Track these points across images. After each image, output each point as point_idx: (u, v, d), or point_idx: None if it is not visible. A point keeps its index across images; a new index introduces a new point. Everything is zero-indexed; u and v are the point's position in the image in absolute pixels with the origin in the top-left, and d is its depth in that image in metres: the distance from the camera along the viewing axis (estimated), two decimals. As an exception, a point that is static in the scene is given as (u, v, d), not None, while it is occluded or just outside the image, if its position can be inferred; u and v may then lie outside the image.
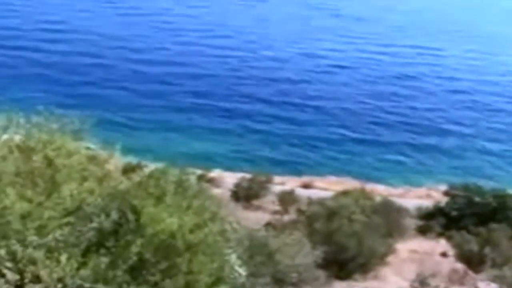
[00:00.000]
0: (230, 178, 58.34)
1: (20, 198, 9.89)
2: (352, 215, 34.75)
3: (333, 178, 65.55)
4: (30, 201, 9.99)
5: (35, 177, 10.73)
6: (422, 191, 63.90)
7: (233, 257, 11.33)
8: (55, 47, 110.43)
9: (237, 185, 54.76)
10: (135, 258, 9.96)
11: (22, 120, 11.79)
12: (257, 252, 21.31)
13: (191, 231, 10.58)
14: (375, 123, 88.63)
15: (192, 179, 12.61)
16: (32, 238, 9.37)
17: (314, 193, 51.33)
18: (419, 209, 49.36)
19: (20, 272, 9.10)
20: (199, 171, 49.14)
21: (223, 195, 47.46)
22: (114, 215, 10.44)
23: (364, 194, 49.19)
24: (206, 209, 11.46)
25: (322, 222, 34.01)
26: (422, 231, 47.53)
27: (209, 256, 10.67)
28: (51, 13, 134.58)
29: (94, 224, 10.13)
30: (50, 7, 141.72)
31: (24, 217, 9.64)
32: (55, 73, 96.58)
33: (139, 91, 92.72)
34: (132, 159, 44.63)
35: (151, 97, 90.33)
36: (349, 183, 60.59)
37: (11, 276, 8.97)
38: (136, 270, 9.98)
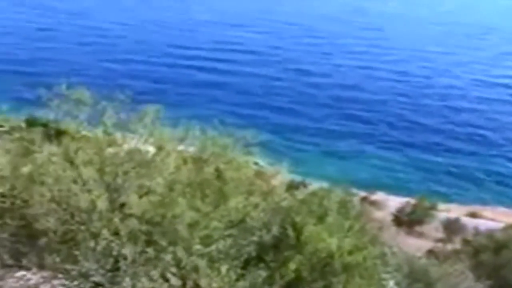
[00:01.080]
0: (393, 202, 57.00)
1: (190, 208, 10.17)
2: (523, 250, 32.49)
3: (503, 209, 61.99)
4: (198, 211, 10.24)
5: (205, 188, 11.00)
6: None
7: (391, 283, 10.98)
8: (228, 66, 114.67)
9: (400, 210, 53.36)
10: (292, 274, 9.90)
11: (197, 133, 12.17)
12: (416, 279, 20.55)
13: (350, 253, 10.36)
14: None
15: (355, 200, 12.38)
16: (197, 246, 9.60)
17: (481, 224, 48.50)
18: None
19: (183, 279, 9.36)
20: (362, 193, 48.39)
21: (384, 218, 46.45)
22: (275, 230, 10.48)
23: (536, 229, 45.86)
24: (367, 232, 11.20)
25: (489, 254, 32.22)
26: None
27: (366, 280, 10.39)
28: (228, 34, 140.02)
29: (255, 238, 10.20)
30: (227, 28, 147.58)
31: (191, 226, 9.92)
32: (227, 93, 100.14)
33: (306, 113, 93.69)
34: (296, 177, 44.94)
35: (318, 120, 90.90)
36: (521, 216, 56.91)
37: (175, 281, 9.25)
38: (292, 287, 9.93)
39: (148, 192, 10.62)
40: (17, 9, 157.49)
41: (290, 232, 10.46)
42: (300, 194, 12.18)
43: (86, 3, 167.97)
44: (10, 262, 10.05)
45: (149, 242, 9.83)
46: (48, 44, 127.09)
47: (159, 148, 11.36)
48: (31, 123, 63.42)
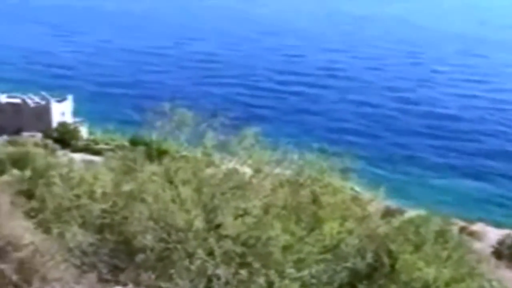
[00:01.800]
0: (493, 234, 54.76)
1: (284, 231, 10.09)
2: None
3: None
4: (293, 234, 10.14)
5: (300, 211, 10.89)
6: None
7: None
8: (325, 92, 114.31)
9: (501, 242, 51.21)
10: (386, 303, 9.63)
11: (295, 157, 12.10)
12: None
13: (447, 284, 9.99)
14: None
15: (454, 230, 11.93)
16: (290, 270, 9.49)
17: None
18: None
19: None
20: (460, 223, 46.70)
21: (484, 250, 44.65)
22: (370, 258, 10.23)
23: None
24: (465, 263, 10.78)
25: None
26: None
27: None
28: (326, 59, 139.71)
29: (349, 264, 9.99)
30: (324, 53, 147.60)
31: (285, 249, 9.82)
32: (324, 119, 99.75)
33: (403, 141, 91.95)
34: (392, 203, 44.00)
35: (414, 148, 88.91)
36: None
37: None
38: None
39: (244, 213, 10.61)
40: (123, 33, 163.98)
41: (385, 260, 10.20)
42: (396, 221, 11.83)
43: (191, 27, 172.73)
44: (108, 276, 10.27)
45: (242, 264, 9.80)
46: (153, 67, 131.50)
47: (257, 171, 11.35)
48: (135, 142, 65.54)
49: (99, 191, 11.21)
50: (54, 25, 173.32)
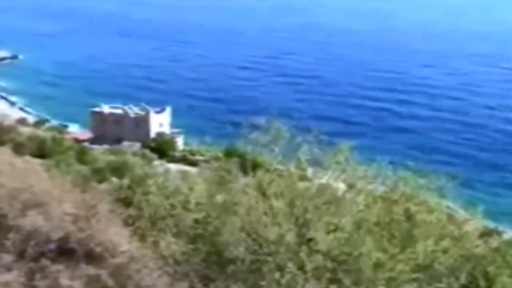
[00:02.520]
0: None
1: (376, 248, 9.87)
2: None
3: None
4: (385, 251, 9.91)
5: (393, 229, 10.65)
6: None
7: None
8: (418, 110, 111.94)
9: None
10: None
11: (389, 173, 11.88)
12: None
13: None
14: None
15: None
16: (381, 288, 9.29)
17: None
18: None
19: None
20: None
21: None
22: (464, 279, 9.86)
23: None
24: None
25: None
26: None
27: None
28: (416, 75, 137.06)
29: (443, 285, 9.67)
30: (415, 69, 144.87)
31: (377, 266, 9.60)
32: (418, 136, 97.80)
33: (502, 161, 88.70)
34: (490, 223, 42.42)
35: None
36: None
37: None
38: None
39: (336, 229, 10.47)
40: (220, 48, 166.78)
41: (481, 282, 9.78)
42: (494, 242, 11.35)
43: (285, 41, 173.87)
44: (199, 286, 10.37)
45: (333, 280, 9.66)
46: (248, 82, 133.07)
47: (350, 186, 11.20)
48: (229, 154, 66.48)
49: (193, 201, 11.34)
50: (155, 39, 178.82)
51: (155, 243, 10.81)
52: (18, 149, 50.21)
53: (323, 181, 11.38)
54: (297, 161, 11.62)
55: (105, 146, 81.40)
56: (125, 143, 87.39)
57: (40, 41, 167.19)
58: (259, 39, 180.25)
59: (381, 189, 11.92)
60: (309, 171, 11.76)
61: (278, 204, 10.67)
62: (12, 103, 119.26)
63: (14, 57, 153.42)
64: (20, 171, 13.54)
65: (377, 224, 10.70)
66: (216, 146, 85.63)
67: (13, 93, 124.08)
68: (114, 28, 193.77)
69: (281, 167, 11.87)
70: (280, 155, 11.85)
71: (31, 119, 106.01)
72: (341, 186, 11.30)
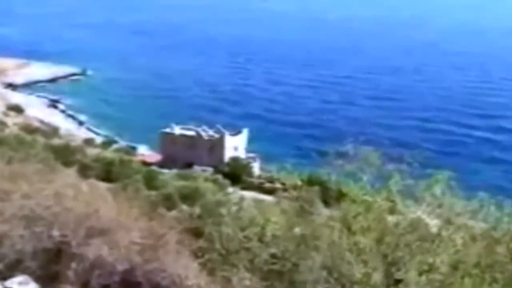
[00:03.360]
0: None
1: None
2: None
3: None
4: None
5: (495, 271, 10.32)
6: None
7: None
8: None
9: None
10: None
11: (491, 208, 11.56)
12: None
13: None
14: None
15: None
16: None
17: None
18: None
19: None
20: None
21: None
22: None
23: None
24: None
25: None
26: None
27: None
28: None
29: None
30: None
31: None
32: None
33: None
34: None
35: None
36: None
37: None
38: None
39: (430, 269, 10.20)
40: (302, 67, 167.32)
41: None
42: None
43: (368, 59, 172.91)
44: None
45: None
46: (330, 104, 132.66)
47: (447, 222, 10.92)
48: (310, 182, 66.24)
49: (269, 233, 11.31)
50: (230, 55, 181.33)
51: (226, 279, 10.81)
52: (84, 171, 51.69)
53: (416, 215, 11.14)
54: (387, 192, 11.43)
55: (175, 170, 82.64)
56: (197, 168, 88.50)
57: (110, 57, 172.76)
58: (346, 55, 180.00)
59: (481, 226, 11.60)
60: (401, 203, 11.54)
61: (365, 240, 10.51)
62: (80, 123, 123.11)
63: (83, 73, 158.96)
64: (86, 195, 13.87)
65: (476, 265, 10.40)
66: (295, 173, 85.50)
67: (81, 111, 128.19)
68: (188, 44, 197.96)
69: (369, 198, 11.70)
70: (368, 184, 11.69)
71: (98, 139, 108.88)
72: (436, 222, 11.03)
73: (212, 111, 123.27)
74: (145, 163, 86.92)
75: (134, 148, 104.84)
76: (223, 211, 13.80)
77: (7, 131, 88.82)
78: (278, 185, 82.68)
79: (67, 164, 54.11)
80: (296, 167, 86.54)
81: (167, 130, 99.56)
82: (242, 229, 11.47)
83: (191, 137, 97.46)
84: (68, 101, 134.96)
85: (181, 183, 57.23)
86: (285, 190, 62.30)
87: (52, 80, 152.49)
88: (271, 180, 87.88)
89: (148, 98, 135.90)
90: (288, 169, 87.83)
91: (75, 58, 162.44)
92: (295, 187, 56.12)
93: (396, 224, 10.81)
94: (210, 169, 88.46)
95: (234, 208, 15.80)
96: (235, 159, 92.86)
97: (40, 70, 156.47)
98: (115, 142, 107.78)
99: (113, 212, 12.75)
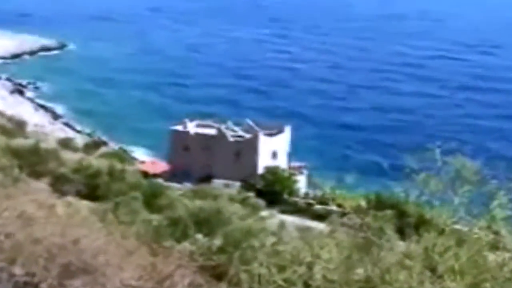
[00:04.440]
0: None
1: None
2: None
3: None
4: None
5: None
6: None
7: None
8: None
9: None
10: None
11: None
12: None
13: None
14: None
15: None
16: None
17: None
18: None
19: None
20: None
21: None
22: None
23: None
24: None
25: None
26: None
27: None
28: None
29: None
30: None
31: None
32: None
33: None
34: None
35: None
36: None
37: None
38: None
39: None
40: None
41: None
42: None
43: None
44: None
45: None
46: (400, 99, 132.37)
47: None
48: (380, 203, 65.91)
49: (319, 276, 11.35)
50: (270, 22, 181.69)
51: None
52: (60, 184, 52.08)
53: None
54: (489, 220, 11.43)
55: (188, 185, 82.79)
56: (218, 181, 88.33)
57: (97, 26, 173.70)
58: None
59: None
60: (508, 236, 11.53)
61: (456, 286, 10.53)
62: (56, 116, 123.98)
63: (62, 46, 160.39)
64: (61, 219, 14.02)
65: None
66: (358, 190, 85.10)
67: (57, 99, 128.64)
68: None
69: (461, 227, 11.70)
70: (461, 209, 11.69)
71: (80, 140, 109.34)
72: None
73: (234, 104, 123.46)
74: (146, 174, 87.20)
75: (129, 153, 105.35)
76: (255, 243, 13.90)
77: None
78: (333, 208, 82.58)
79: (36, 174, 54.60)
80: (358, 183, 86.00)
81: (178, 127, 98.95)
82: (282, 269, 11.51)
83: (210, 137, 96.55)
84: (40, 86, 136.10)
85: (196, 203, 57.42)
86: (343, 214, 62.18)
87: (17, 56, 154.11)
88: (323, 201, 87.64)
89: (151, 81, 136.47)
90: (347, 185, 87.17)
91: (51, 25, 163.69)
92: (357, 211, 55.95)
93: (501, 265, 10.82)
94: (236, 184, 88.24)
95: (270, 240, 15.86)
96: (272, 170, 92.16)
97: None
98: (103, 143, 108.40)
99: (99, 242, 12.87)
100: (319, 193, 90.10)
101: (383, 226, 12.78)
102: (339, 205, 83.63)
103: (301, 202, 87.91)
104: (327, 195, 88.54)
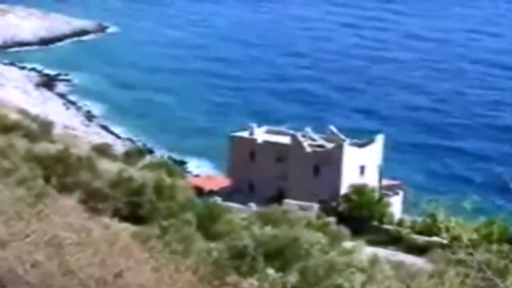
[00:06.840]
0: None
1: None
2: None
3: None
4: None
5: None
6: None
7: None
8: None
9: None
10: None
11: None
12: None
13: None
14: None
15: None
16: None
17: None
18: None
19: None
20: None
21: None
22: None
23: None
24: None
25: None
26: None
27: None
28: None
29: None
30: None
31: None
32: None
33: None
34: None
35: None
36: None
37: None
38: None
39: None
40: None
41: None
42: None
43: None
44: None
45: None
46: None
47: None
48: (500, 235, 65.25)
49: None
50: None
51: None
52: (94, 202, 52.42)
53: None
54: None
55: (254, 206, 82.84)
56: (291, 202, 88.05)
57: (144, 4, 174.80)
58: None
59: None
60: None
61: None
62: (90, 116, 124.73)
63: (101, 29, 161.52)
64: (98, 245, 14.11)
65: None
66: (470, 217, 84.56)
67: (93, 95, 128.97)
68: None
69: None
70: None
71: (119, 146, 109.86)
72: None
73: (315, 103, 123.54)
74: (200, 191, 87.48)
75: (182, 164, 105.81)
76: (341, 281, 13.96)
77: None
78: (437, 239, 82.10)
79: (64, 188, 54.99)
80: (462, 208, 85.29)
81: (243, 133, 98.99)
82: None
83: (283, 146, 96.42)
84: (72, 79, 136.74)
85: (266, 230, 57.45)
86: (443, 246, 61.71)
87: (46, 42, 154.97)
88: (424, 230, 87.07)
89: (206, 74, 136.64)
90: (446, 211, 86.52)
91: (89, 3, 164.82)
92: (470, 245, 55.46)
93: None
94: (315, 206, 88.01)
95: (359, 278, 15.90)
96: (359, 189, 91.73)
97: (25, 23, 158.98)
98: (148, 151, 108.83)
99: (146, 275, 12.94)
100: (418, 218, 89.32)
101: (504, 264, 12.70)
102: (454, 238, 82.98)
103: (395, 231, 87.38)
104: (439, 223, 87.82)
